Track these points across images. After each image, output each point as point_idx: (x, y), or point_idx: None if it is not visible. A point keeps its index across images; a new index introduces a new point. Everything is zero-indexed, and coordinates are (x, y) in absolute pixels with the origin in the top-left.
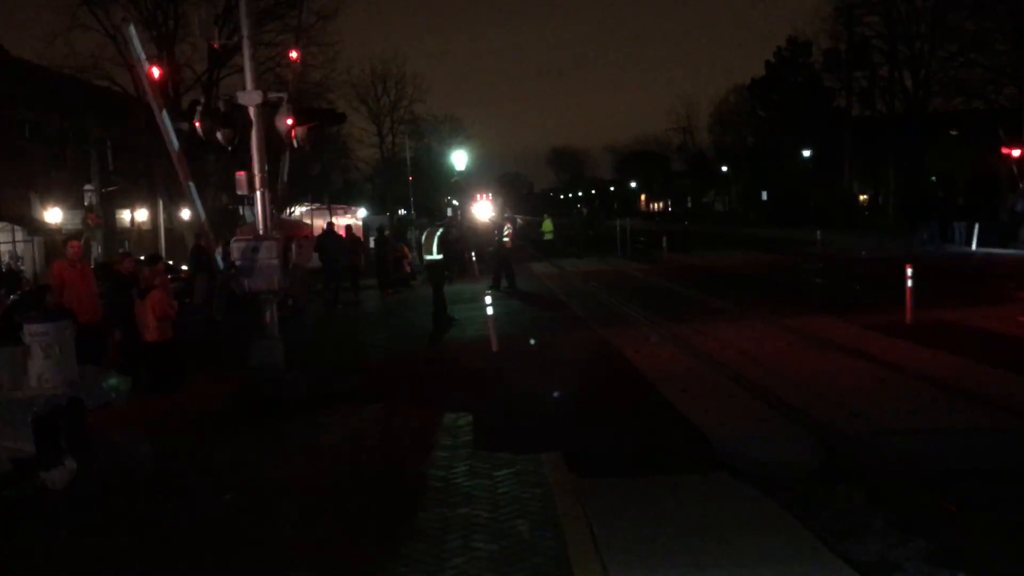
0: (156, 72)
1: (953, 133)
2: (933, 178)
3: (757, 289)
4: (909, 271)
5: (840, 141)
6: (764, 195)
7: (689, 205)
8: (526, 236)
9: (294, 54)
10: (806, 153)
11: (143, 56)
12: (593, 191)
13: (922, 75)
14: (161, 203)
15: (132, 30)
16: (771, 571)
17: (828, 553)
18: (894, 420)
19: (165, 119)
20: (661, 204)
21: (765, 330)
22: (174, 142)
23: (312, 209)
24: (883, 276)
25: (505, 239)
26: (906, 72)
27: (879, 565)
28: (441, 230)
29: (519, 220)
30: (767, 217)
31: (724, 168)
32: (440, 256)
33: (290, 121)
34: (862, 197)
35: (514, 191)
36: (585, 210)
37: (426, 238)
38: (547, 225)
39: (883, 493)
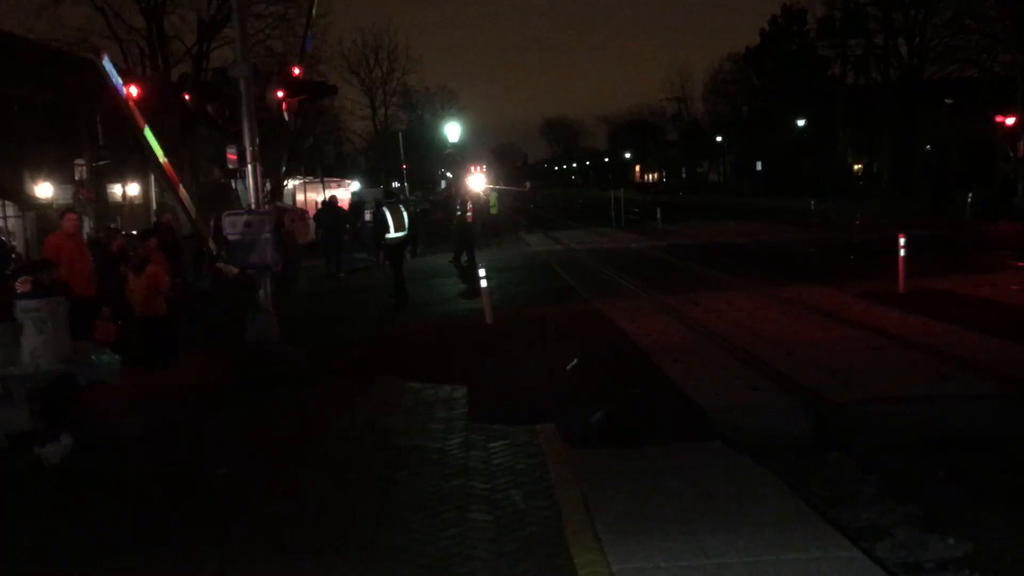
0: (135, 91)
1: (948, 101)
2: (928, 146)
3: (750, 259)
4: (902, 240)
5: (834, 110)
6: (759, 165)
7: (684, 175)
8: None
9: (296, 71)
10: (801, 122)
11: (120, 84)
12: (588, 162)
13: (917, 42)
14: (152, 177)
15: (107, 60)
16: (763, 538)
17: (820, 520)
18: (886, 388)
19: (148, 135)
20: (655, 175)
21: (758, 299)
22: (159, 156)
23: (305, 182)
24: (875, 245)
25: (467, 214)
26: (901, 39)
27: (870, 531)
28: (402, 207)
29: (482, 194)
30: (761, 187)
31: (719, 138)
32: (404, 233)
33: (281, 94)
34: (856, 166)
35: (508, 162)
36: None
37: (389, 215)
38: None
39: (874, 460)
